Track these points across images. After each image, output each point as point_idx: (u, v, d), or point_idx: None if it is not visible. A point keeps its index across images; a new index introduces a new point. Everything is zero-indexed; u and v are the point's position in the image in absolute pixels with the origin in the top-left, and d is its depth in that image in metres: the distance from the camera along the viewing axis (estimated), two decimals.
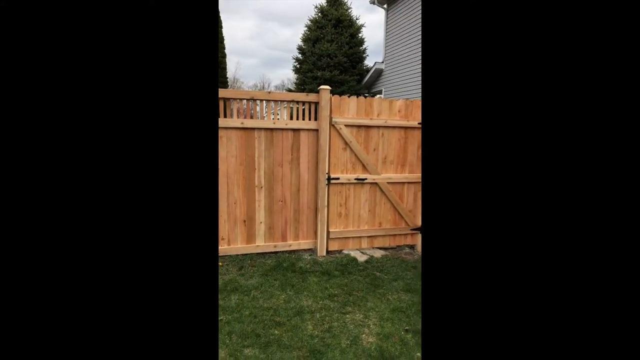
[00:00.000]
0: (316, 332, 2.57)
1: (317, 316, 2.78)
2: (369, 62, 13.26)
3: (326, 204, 3.97)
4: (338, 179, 3.96)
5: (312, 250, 4.11)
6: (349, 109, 3.91)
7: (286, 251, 4.01)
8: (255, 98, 3.67)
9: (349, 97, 3.90)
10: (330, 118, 3.84)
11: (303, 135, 3.86)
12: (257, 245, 3.90)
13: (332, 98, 3.83)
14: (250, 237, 3.88)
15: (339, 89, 11.79)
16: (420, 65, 9.44)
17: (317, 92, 3.82)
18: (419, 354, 2.37)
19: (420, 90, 9.30)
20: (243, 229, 3.83)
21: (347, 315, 2.81)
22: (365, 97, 3.98)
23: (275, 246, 3.96)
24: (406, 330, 2.64)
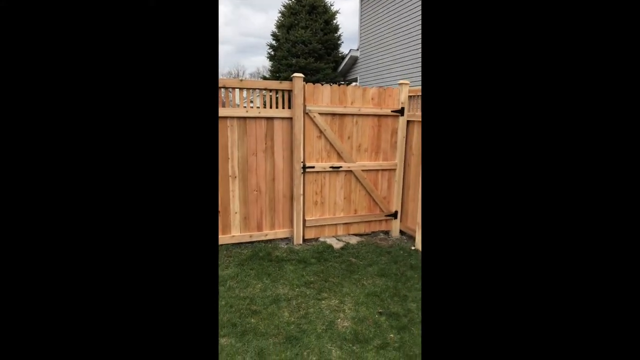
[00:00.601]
0: (292, 319, 2.60)
1: (294, 303, 2.81)
2: (344, 49, 13.23)
3: (302, 192, 3.98)
4: (313, 167, 3.96)
5: (288, 239, 4.13)
6: (323, 97, 3.89)
7: (262, 241, 4.01)
8: (226, 86, 3.58)
9: (322, 85, 3.88)
10: (304, 106, 3.81)
11: (277, 123, 3.82)
12: (233, 236, 3.87)
13: (306, 86, 3.80)
14: (225, 228, 3.84)
15: (314, 77, 11.70)
16: (395, 52, 9.49)
17: (291, 80, 3.78)
18: (392, 335, 2.46)
19: (394, 78, 9.37)
20: (218, 220, 3.79)
21: (323, 301, 2.86)
22: (340, 85, 3.98)
23: (251, 236, 3.95)
24: (380, 313, 2.72)
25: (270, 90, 3.78)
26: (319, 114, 3.88)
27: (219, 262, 3.48)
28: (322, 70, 12.18)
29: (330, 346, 2.32)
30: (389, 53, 9.73)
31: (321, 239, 4.19)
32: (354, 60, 11.96)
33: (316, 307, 2.77)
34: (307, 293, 2.98)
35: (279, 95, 3.81)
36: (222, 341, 2.32)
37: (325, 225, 4.20)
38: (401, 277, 3.31)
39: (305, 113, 3.83)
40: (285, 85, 3.77)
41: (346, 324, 2.58)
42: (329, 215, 4.20)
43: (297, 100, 3.76)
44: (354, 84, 11.43)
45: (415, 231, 4.10)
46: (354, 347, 2.32)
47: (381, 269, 3.46)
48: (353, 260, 3.66)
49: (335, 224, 4.25)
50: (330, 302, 2.86)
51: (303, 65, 11.83)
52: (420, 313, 2.74)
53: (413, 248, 4.03)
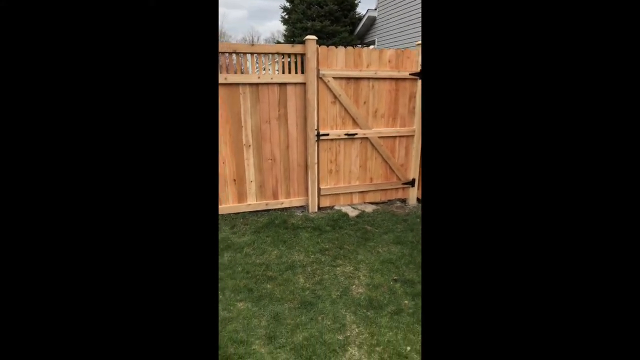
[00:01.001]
0: (307, 285, 2.64)
1: (309, 270, 2.85)
2: (361, 9, 12.58)
3: (316, 160, 3.92)
4: (328, 134, 3.88)
5: (303, 207, 4.14)
6: (337, 61, 3.73)
7: (278, 209, 4.04)
8: (237, 51, 3.47)
9: (336, 47, 3.70)
10: (318, 70, 3.67)
11: (290, 89, 3.71)
12: (249, 204, 3.91)
13: (319, 49, 3.63)
14: (241, 196, 3.87)
15: (330, 41, 11.26)
16: (415, 11, 8.96)
17: (304, 43, 3.62)
18: (406, 301, 2.46)
19: (414, 40, 8.90)
20: (233, 188, 3.82)
21: (338, 268, 2.88)
22: (354, 47, 3.78)
23: (267, 204, 3.97)
24: (394, 280, 2.72)
25: (283, 55, 3.64)
26: (333, 78, 3.73)
27: (235, 230, 3.54)
28: (339, 33, 11.69)
29: (345, 311, 2.35)
30: (410, 13, 9.18)
31: (336, 207, 4.18)
32: (371, 21, 11.38)
33: (331, 274, 2.80)
34: (322, 260, 3.00)
35: (291, 59, 3.67)
36: (239, 305, 2.39)
37: (340, 193, 4.16)
38: (417, 245, 3.28)
39: (319, 77, 3.69)
40: (297, 48, 3.62)
41: (361, 290, 2.60)
42: (344, 184, 4.15)
43: (310, 64, 3.62)
44: (371, 47, 11.00)
45: None
46: (368, 313, 2.34)
47: (397, 237, 3.44)
48: (368, 228, 3.65)
49: (351, 193, 4.21)
50: (345, 269, 2.88)
51: (319, 28, 11.37)
52: None
53: None
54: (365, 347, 2.05)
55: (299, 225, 3.66)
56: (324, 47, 3.65)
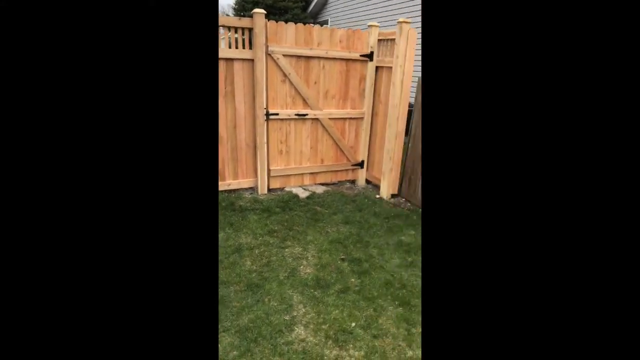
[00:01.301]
0: (254, 267, 2.60)
1: (256, 252, 2.80)
2: None
3: (265, 141, 3.82)
4: (277, 114, 3.78)
5: (252, 189, 4.04)
6: (287, 37, 3.60)
7: (225, 191, 3.90)
8: None
9: (286, 23, 3.57)
10: (267, 47, 3.52)
11: (237, 65, 3.53)
12: None
13: (268, 24, 3.48)
14: None
15: (282, 17, 10.88)
16: None
17: (251, 16, 3.43)
18: (352, 279, 2.53)
19: (366, 21, 8.89)
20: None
21: (286, 250, 2.87)
22: (305, 25, 3.67)
23: None
24: (342, 259, 2.77)
25: (230, 29, 3.43)
26: (283, 55, 3.61)
27: None
28: (291, 9, 11.32)
29: (292, 292, 2.36)
30: None
31: (287, 189, 4.14)
32: (325, 1, 11.18)
33: (279, 256, 2.78)
34: (271, 242, 2.97)
35: (239, 34, 3.47)
36: None
37: (291, 175, 4.12)
38: (364, 225, 3.37)
39: (268, 54, 3.55)
40: (245, 22, 3.43)
41: (309, 270, 2.62)
42: (295, 165, 4.11)
43: (259, 39, 3.46)
44: (324, 27, 10.80)
45: (380, 180, 4.13)
46: (315, 292, 2.37)
47: (345, 217, 3.49)
48: (318, 209, 3.66)
49: (302, 174, 4.18)
50: (293, 250, 2.88)
51: (270, 3, 10.91)
52: (380, 258, 2.83)
53: (377, 196, 4.08)
54: (312, 326, 2.07)
55: (247, 207, 3.58)
56: (273, 22, 3.50)
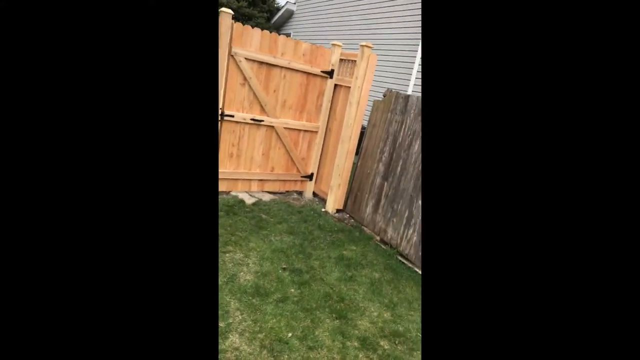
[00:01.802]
0: None
1: None
2: (280, 0, 12.42)
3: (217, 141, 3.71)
4: (232, 116, 3.70)
5: None
6: (252, 42, 3.59)
7: None
8: None
9: (253, 27, 3.56)
10: (230, 48, 3.47)
11: None
12: None
13: (235, 25, 3.44)
14: None
15: (246, 24, 10.82)
16: (333, 11, 9.23)
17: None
18: (292, 290, 2.51)
19: (328, 40, 9.18)
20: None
21: (227, 255, 2.77)
22: (271, 33, 3.69)
23: None
24: (283, 269, 2.75)
25: None
26: (246, 59, 3.58)
27: None
28: (255, 17, 11.33)
29: (230, 298, 2.27)
30: (326, 12, 9.44)
31: (233, 193, 4.03)
32: (289, 14, 11.35)
33: (219, 260, 2.67)
34: None
35: None
36: None
37: (239, 179, 4.03)
38: (308, 236, 3.38)
39: (231, 55, 3.49)
40: None
41: (249, 277, 2.55)
42: (244, 170, 4.03)
43: (223, 39, 3.40)
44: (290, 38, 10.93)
45: (327, 194, 4.20)
46: (254, 300, 2.31)
47: (290, 227, 3.48)
48: (264, 216, 3.61)
49: (250, 179, 4.11)
50: (234, 255, 2.79)
51: (235, 7, 10.81)
52: (321, 270, 2.85)
53: (323, 210, 4.15)
54: (247, 334, 2.01)
55: None
56: (239, 25, 3.48)
